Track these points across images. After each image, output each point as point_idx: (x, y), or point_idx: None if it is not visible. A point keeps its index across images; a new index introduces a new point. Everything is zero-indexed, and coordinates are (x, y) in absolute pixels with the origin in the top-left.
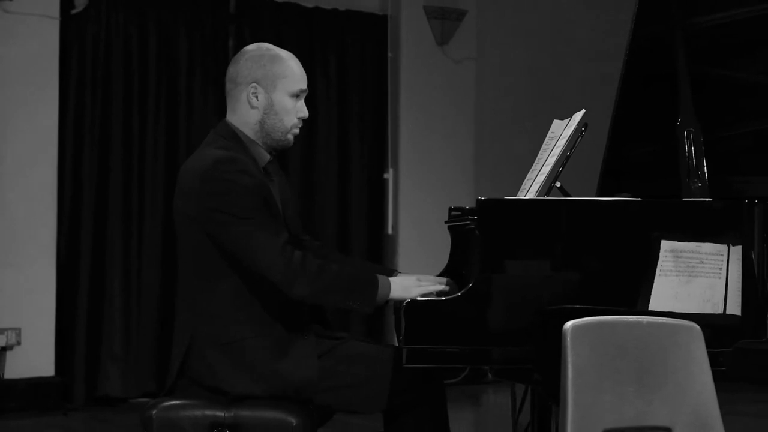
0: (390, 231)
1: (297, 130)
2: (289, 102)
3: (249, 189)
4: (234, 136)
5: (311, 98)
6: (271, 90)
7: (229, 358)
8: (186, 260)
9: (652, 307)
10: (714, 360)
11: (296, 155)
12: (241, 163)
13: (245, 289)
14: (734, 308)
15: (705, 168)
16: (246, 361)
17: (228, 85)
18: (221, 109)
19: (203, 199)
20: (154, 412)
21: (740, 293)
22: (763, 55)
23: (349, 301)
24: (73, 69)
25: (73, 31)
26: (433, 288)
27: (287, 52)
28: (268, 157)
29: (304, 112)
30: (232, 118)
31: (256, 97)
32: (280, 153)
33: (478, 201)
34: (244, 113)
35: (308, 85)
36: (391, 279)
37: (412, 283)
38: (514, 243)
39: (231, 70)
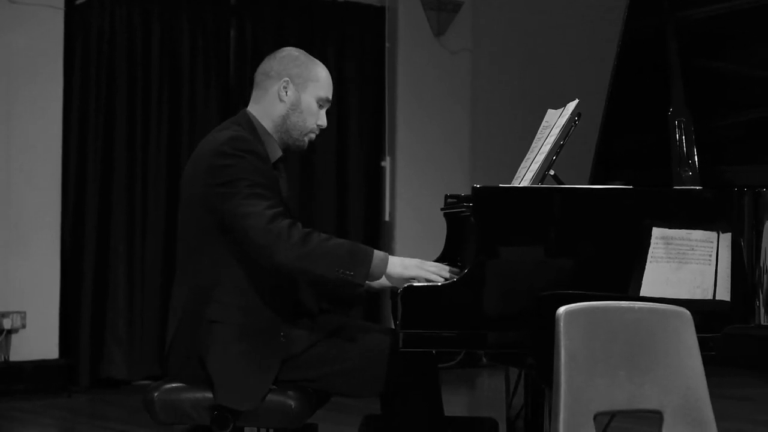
0: (387, 218)
1: (313, 136)
2: (314, 105)
3: (255, 166)
4: (251, 126)
5: None
6: (301, 89)
7: (210, 336)
8: (186, 238)
9: (643, 292)
10: (704, 345)
11: None
12: (252, 144)
13: (237, 269)
14: (723, 294)
15: (695, 157)
16: (218, 344)
17: (258, 77)
18: (223, 100)
19: (211, 173)
20: (155, 394)
21: (729, 279)
22: (753, 46)
23: (338, 270)
24: (77, 59)
25: (77, 22)
26: (434, 276)
27: (324, 65)
28: (279, 152)
29: (324, 122)
30: (253, 108)
31: (286, 92)
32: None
33: (474, 188)
34: (270, 105)
35: None
36: (393, 257)
37: (413, 263)
38: (509, 230)
39: (266, 64)
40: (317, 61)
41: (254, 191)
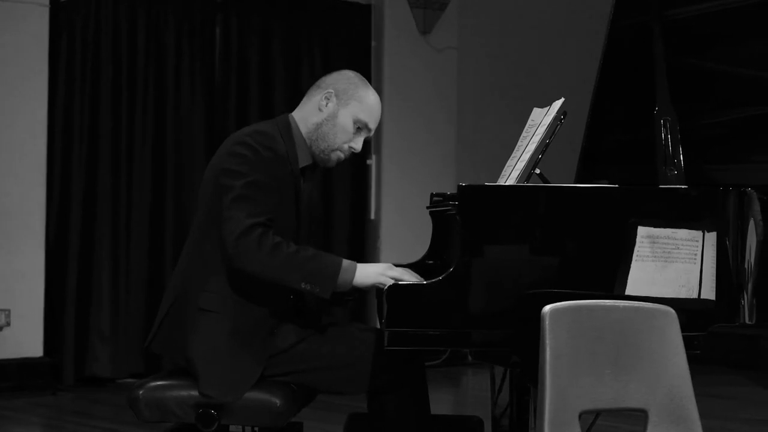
0: (373, 216)
1: (342, 155)
2: (350, 125)
3: (267, 163)
4: (287, 127)
5: (297, 87)
6: (343, 104)
7: (199, 324)
8: (198, 222)
9: (628, 291)
10: (689, 343)
11: None
12: (275, 141)
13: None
14: (709, 293)
15: (681, 156)
16: (206, 333)
17: (311, 88)
18: (208, 98)
19: (226, 158)
20: (140, 392)
21: (714, 278)
22: (739, 45)
23: (304, 284)
24: (62, 56)
25: (62, 19)
26: (388, 280)
27: (377, 95)
28: (309, 160)
29: (357, 146)
30: (295, 113)
31: (327, 103)
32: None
33: (459, 187)
34: (309, 112)
35: (295, 75)
36: (359, 264)
37: (375, 271)
38: (494, 228)
39: (322, 78)
40: (371, 88)
41: (245, 192)
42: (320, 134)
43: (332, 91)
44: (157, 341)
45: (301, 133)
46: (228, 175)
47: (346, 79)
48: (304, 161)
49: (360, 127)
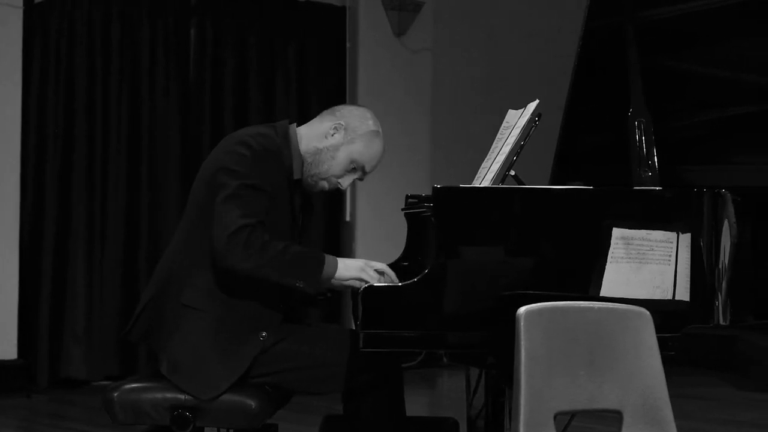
0: (348, 218)
1: (327, 187)
2: (346, 163)
3: (264, 165)
4: (286, 137)
5: (271, 89)
6: (348, 141)
7: (181, 320)
8: (188, 216)
9: (603, 293)
10: (663, 345)
11: None
12: (279, 147)
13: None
14: (683, 294)
15: (655, 157)
16: (189, 331)
17: (326, 111)
18: (183, 100)
19: (226, 156)
20: (115, 394)
21: (689, 280)
22: (713, 47)
23: (289, 279)
24: (36, 58)
25: (36, 20)
26: (371, 279)
27: (383, 144)
28: (299, 174)
29: (344, 185)
30: (301, 128)
31: (334, 133)
32: None
33: (434, 189)
34: (315, 135)
35: (269, 77)
36: (339, 259)
37: (356, 266)
38: (469, 230)
39: (340, 106)
40: (380, 135)
41: (239, 192)
42: (316, 160)
43: (343, 123)
44: (135, 332)
45: (299, 148)
46: (226, 172)
47: (361, 117)
48: (296, 174)
49: (355, 167)
